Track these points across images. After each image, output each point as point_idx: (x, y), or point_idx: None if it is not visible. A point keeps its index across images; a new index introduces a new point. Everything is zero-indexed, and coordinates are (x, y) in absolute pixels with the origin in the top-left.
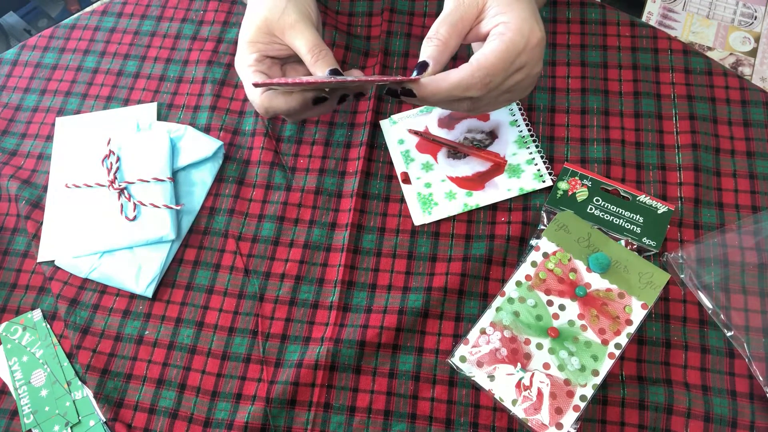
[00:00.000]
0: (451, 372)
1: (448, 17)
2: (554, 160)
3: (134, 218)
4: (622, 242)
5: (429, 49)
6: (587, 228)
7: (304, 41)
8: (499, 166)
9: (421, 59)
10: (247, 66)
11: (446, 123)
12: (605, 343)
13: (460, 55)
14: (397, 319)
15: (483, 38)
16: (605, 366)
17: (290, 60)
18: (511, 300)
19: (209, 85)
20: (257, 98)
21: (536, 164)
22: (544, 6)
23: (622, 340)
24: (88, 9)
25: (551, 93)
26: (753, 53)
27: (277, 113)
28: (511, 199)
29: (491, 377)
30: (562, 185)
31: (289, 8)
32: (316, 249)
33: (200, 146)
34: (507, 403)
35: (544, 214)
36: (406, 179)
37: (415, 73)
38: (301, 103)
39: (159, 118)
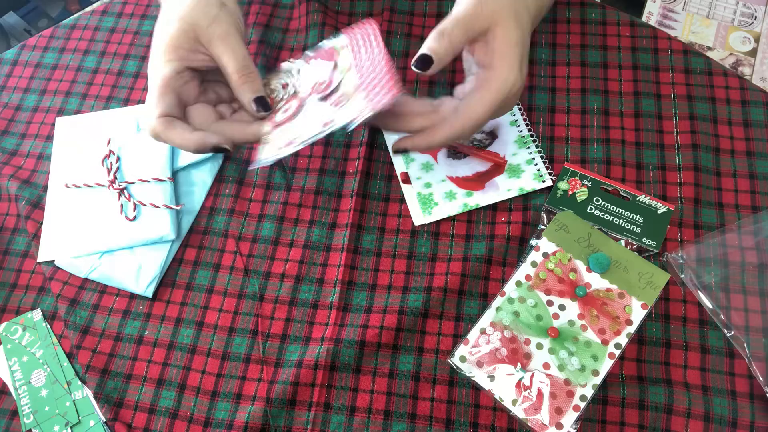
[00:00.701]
0: (451, 372)
1: (466, 22)
2: (554, 160)
3: (134, 218)
4: (622, 242)
5: (437, 45)
6: (587, 228)
7: (233, 58)
8: (499, 166)
9: (426, 52)
10: (162, 78)
11: None
12: (605, 343)
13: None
14: (397, 319)
15: (474, 55)
16: (605, 366)
17: (209, 77)
18: (511, 300)
19: None
20: (153, 119)
21: (536, 164)
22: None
23: (622, 340)
24: (88, 9)
25: (551, 93)
26: (753, 53)
27: (166, 143)
28: (511, 199)
29: (491, 377)
30: (562, 185)
31: (222, 16)
32: (316, 249)
33: None
34: (507, 403)
35: (544, 214)
36: (406, 179)
37: (415, 64)
38: (198, 146)
39: None
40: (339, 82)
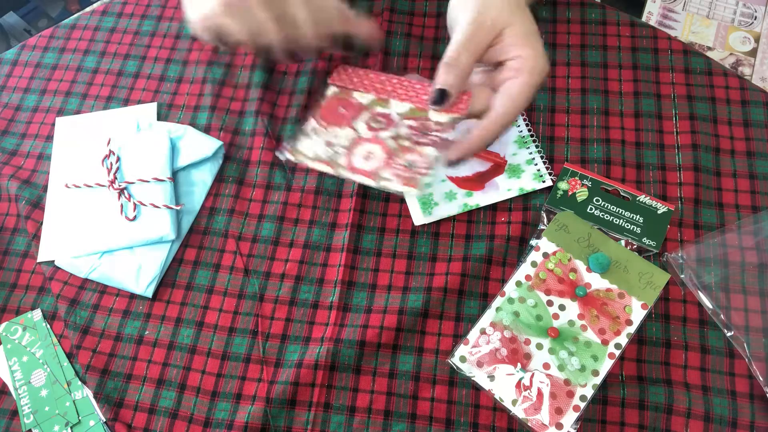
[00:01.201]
0: (451, 372)
1: (470, 43)
2: (554, 160)
3: (134, 218)
4: (622, 242)
5: (450, 78)
6: (587, 228)
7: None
8: (499, 167)
9: (441, 86)
10: None
11: None
12: (605, 343)
13: None
14: (397, 319)
15: (493, 63)
16: (605, 366)
17: None
18: (511, 300)
19: (209, 85)
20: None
21: (536, 164)
22: (543, 5)
23: (622, 340)
24: (88, 9)
25: (551, 93)
26: (753, 53)
27: (219, 37)
28: (511, 199)
29: (491, 377)
30: (562, 185)
31: None
32: (316, 249)
33: (200, 146)
34: (507, 403)
35: (544, 214)
36: None
37: (434, 100)
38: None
39: (159, 118)
40: (395, 112)
